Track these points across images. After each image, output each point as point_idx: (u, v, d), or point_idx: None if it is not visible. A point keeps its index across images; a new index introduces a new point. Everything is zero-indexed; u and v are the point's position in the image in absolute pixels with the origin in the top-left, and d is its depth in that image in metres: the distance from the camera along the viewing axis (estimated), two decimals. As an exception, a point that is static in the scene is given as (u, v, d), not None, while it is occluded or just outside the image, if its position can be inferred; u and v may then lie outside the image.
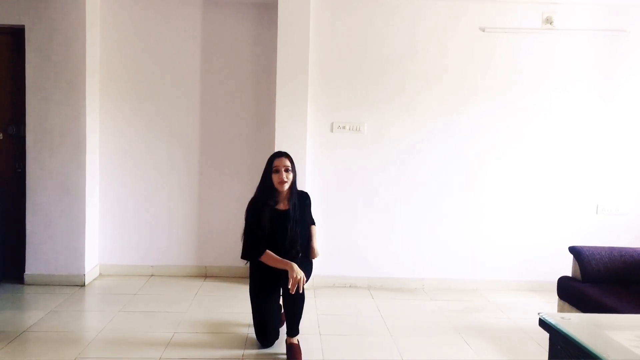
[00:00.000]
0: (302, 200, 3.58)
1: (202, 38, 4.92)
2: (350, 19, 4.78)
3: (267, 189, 3.44)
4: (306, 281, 3.35)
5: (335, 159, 4.83)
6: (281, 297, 3.47)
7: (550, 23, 4.73)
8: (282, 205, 3.48)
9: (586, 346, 1.44)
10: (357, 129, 4.83)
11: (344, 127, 4.82)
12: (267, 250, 3.38)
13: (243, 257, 3.46)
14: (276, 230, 3.42)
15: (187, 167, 4.99)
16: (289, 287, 3.21)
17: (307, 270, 3.51)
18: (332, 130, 4.81)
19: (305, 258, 3.54)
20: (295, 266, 3.26)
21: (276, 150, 4.27)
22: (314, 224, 3.73)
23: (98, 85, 4.85)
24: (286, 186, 3.40)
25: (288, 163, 3.41)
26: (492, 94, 4.84)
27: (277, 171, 3.39)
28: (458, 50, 4.81)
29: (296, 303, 3.34)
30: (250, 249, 3.42)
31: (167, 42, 4.91)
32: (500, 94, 4.84)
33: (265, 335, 3.50)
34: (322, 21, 4.77)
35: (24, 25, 4.52)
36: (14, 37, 4.61)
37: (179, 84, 4.94)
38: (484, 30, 4.78)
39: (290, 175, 3.41)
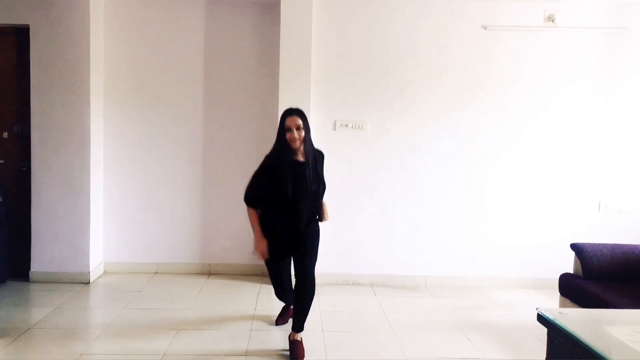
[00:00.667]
0: (317, 156, 3.57)
1: (205, 37, 4.95)
2: (352, 17, 4.79)
3: (282, 146, 3.45)
4: (317, 245, 3.51)
5: (337, 157, 4.85)
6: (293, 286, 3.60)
7: (552, 21, 4.74)
8: (299, 158, 3.49)
9: (583, 341, 1.46)
10: (360, 127, 4.84)
11: (346, 126, 4.83)
12: (254, 209, 3.52)
13: (245, 198, 3.55)
14: (298, 182, 3.42)
15: (191, 165, 5.02)
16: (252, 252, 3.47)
17: (317, 233, 3.57)
18: (334, 129, 4.82)
19: (315, 221, 3.59)
20: (257, 242, 3.45)
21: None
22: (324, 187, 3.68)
23: (102, 84, 4.88)
24: (298, 143, 3.41)
25: (299, 121, 3.40)
26: (494, 92, 4.85)
27: (289, 129, 3.39)
28: (460, 49, 4.83)
29: (306, 297, 3.41)
30: (249, 192, 3.52)
31: (170, 41, 4.94)
32: (502, 93, 4.85)
33: (278, 291, 3.84)
34: (324, 20, 4.78)
35: (28, 25, 4.56)
36: (19, 37, 4.64)
37: (182, 83, 4.96)
38: (485, 29, 4.79)
39: (302, 133, 3.40)
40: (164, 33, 4.93)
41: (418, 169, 4.89)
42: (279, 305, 4.37)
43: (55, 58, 4.57)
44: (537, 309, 1.75)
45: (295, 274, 3.49)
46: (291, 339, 3.47)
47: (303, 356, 3.35)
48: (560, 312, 1.68)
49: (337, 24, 4.80)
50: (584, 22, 4.78)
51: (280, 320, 3.92)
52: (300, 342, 3.44)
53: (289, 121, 3.40)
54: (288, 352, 3.40)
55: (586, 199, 4.94)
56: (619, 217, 4.92)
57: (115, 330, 3.68)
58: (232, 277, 4.99)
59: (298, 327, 3.47)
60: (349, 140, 4.85)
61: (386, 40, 4.81)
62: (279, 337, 3.66)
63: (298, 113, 3.44)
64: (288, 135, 3.39)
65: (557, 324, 1.59)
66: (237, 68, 4.97)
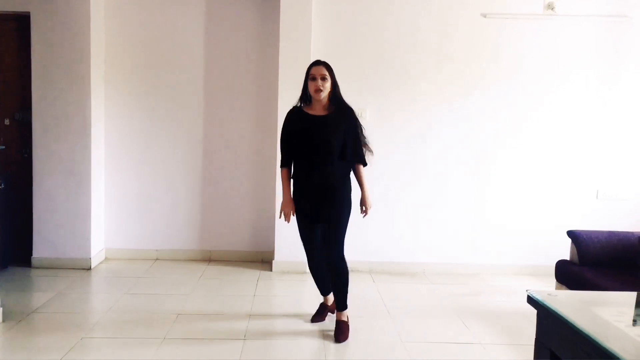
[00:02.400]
0: (344, 111, 3.43)
1: (206, 25, 4.95)
2: (352, 5, 4.79)
3: (304, 97, 3.43)
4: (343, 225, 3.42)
5: (337, 144, 4.86)
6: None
7: (552, 9, 4.73)
8: (316, 112, 3.41)
9: (569, 320, 1.49)
10: (359, 115, 4.82)
11: (345, 113, 4.84)
12: (286, 169, 3.45)
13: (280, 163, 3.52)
14: (312, 137, 3.35)
15: (192, 152, 5.04)
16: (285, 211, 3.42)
17: (341, 202, 3.41)
18: (334, 116, 4.83)
19: (341, 189, 3.43)
20: (284, 203, 3.42)
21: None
22: (364, 161, 3.52)
23: (103, 71, 4.90)
24: (322, 94, 3.34)
25: (325, 71, 3.34)
26: (495, 81, 4.85)
27: (314, 79, 3.33)
28: (460, 37, 4.82)
29: (338, 279, 3.45)
30: (282, 156, 3.49)
31: (171, 30, 4.94)
32: (503, 81, 4.85)
33: (316, 278, 3.66)
34: (324, 8, 4.78)
35: (29, 12, 4.57)
36: (20, 23, 4.66)
37: (183, 70, 4.98)
38: (485, 17, 4.78)
39: (327, 84, 3.33)
40: (165, 21, 4.94)
41: (418, 156, 4.91)
42: (278, 290, 4.42)
43: (56, 45, 4.59)
44: (527, 291, 1.79)
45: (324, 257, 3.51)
46: (337, 318, 3.51)
47: (346, 337, 3.40)
48: (549, 294, 1.72)
49: (337, 12, 4.80)
50: (584, 10, 4.77)
51: (318, 317, 3.69)
52: (345, 324, 3.48)
53: (315, 70, 3.34)
54: (290, 337, 3.46)
55: (585, 186, 4.95)
56: (617, 205, 4.94)
57: (116, 315, 3.73)
58: (232, 263, 5.03)
59: (339, 305, 3.50)
60: (348, 128, 4.86)
61: (387, 28, 4.81)
62: (278, 323, 3.71)
63: (325, 64, 3.38)
64: (312, 85, 3.32)
65: (545, 305, 1.62)
66: (238, 55, 4.98)
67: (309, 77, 3.36)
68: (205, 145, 5.05)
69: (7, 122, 4.76)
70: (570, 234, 3.82)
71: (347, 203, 3.44)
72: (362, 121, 4.79)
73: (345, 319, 3.50)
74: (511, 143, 4.91)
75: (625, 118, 4.89)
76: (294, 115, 3.45)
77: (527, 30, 4.81)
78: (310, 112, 3.42)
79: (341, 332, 3.41)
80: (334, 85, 3.39)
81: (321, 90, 3.32)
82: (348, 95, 4.78)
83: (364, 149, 3.50)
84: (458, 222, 4.97)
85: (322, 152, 3.34)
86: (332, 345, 3.35)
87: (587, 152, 4.92)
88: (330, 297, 3.70)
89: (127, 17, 4.92)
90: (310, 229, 3.49)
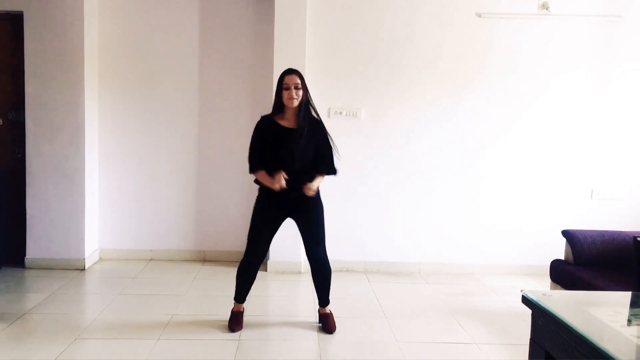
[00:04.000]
0: (315, 125, 3.50)
1: (201, 22, 4.94)
2: (347, 5, 4.78)
3: (277, 106, 3.46)
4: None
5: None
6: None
7: (547, 9, 4.74)
8: (288, 123, 3.44)
9: (564, 320, 1.49)
10: (354, 115, 4.85)
11: (340, 113, 4.84)
12: (262, 171, 3.42)
13: (250, 169, 3.50)
14: (281, 148, 3.39)
15: (186, 152, 5.03)
16: (277, 186, 3.32)
17: (318, 206, 3.57)
18: (329, 116, 4.83)
19: (315, 198, 3.55)
20: (272, 183, 3.34)
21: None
22: (335, 172, 3.59)
23: (97, 71, 4.88)
24: (295, 103, 3.37)
25: (298, 80, 3.37)
26: (489, 80, 4.85)
27: (287, 88, 3.36)
28: (454, 36, 4.82)
29: (323, 279, 3.62)
30: (250, 162, 3.48)
31: (165, 28, 4.92)
32: (497, 80, 4.85)
33: (256, 253, 3.62)
34: (319, 7, 4.77)
35: (22, 12, 4.54)
36: (13, 23, 4.63)
37: (177, 69, 4.96)
38: (480, 16, 4.78)
39: (300, 93, 3.38)
40: (159, 19, 4.92)
41: (413, 155, 4.91)
42: (273, 291, 4.42)
43: (50, 44, 4.56)
44: (521, 291, 1.78)
45: (307, 257, 3.60)
46: (321, 313, 3.64)
47: (335, 328, 3.54)
48: (543, 294, 1.71)
49: (332, 11, 4.79)
50: (578, 10, 4.78)
51: (236, 326, 3.58)
52: (331, 315, 3.62)
53: (288, 79, 3.37)
54: (285, 338, 3.45)
55: (579, 186, 4.96)
56: (611, 204, 4.95)
57: (110, 316, 3.71)
58: (226, 264, 5.01)
59: (324, 302, 3.65)
60: (343, 128, 4.85)
61: (381, 27, 4.81)
62: (272, 323, 3.71)
63: (297, 73, 3.42)
64: (286, 94, 3.36)
65: (540, 305, 1.62)
66: (232, 55, 4.96)
67: (283, 86, 3.38)
68: (200, 145, 5.03)
69: (0, 122, 4.73)
70: (565, 233, 3.83)
71: (320, 204, 3.61)
72: (357, 121, 4.85)
73: (329, 312, 3.65)
74: (505, 142, 4.91)
75: (619, 117, 4.90)
76: (264, 124, 3.48)
77: (521, 30, 4.81)
78: (283, 122, 3.45)
79: (332, 323, 3.57)
80: (306, 94, 3.44)
81: (295, 99, 3.36)
82: (343, 96, 4.84)
83: (334, 158, 3.57)
84: (453, 222, 4.97)
85: (297, 164, 3.41)
86: (327, 345, 3.34)
87: (582, 152, 4.93)
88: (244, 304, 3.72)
89: (121, 17, 4.90)
90: (271, 232, 3.57)
